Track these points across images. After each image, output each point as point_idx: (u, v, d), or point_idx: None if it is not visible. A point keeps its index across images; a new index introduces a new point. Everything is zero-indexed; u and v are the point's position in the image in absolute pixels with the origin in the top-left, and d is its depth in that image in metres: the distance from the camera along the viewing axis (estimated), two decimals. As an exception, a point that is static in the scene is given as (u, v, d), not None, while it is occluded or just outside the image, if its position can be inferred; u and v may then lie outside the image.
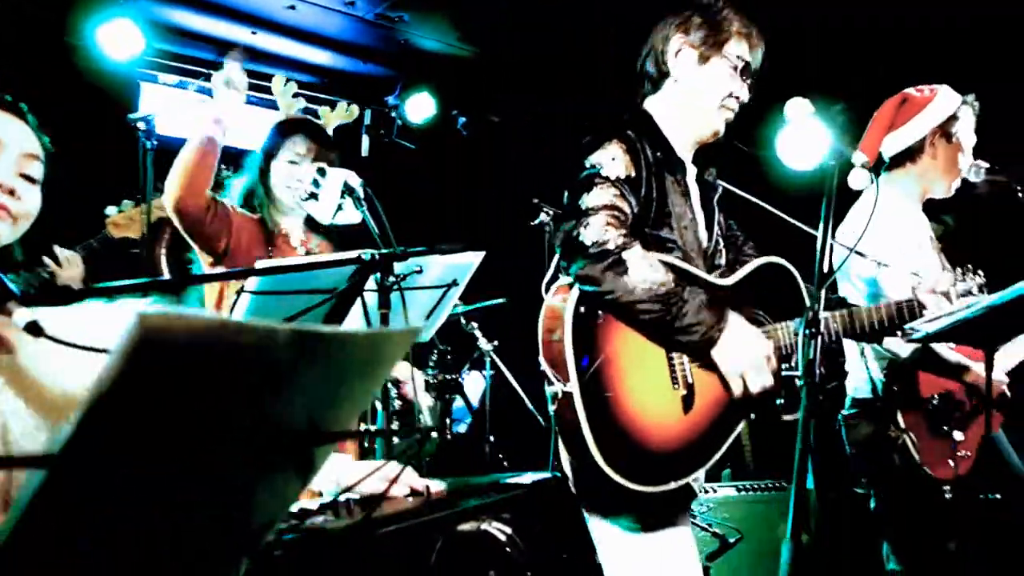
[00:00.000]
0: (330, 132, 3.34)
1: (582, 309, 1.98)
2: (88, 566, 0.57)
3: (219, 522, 0.71)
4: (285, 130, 2.92)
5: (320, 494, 1.69)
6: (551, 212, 4.45)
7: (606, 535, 2.05)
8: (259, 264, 2.02)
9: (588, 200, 2.02)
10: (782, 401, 2.07)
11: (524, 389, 4.79)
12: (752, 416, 2.10)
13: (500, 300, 4.55)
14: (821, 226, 1.89)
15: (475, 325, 4.73)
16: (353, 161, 3.46)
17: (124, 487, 0.53)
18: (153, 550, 0.64)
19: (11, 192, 1.44)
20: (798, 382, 1.92)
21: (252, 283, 2.08)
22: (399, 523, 1.35)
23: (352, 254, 1.99)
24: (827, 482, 3.71)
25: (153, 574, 0.67)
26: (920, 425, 2.73)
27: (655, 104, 2.29)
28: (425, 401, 4.46)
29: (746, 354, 2.02)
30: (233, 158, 5.59)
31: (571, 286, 2.02)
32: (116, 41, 4.39)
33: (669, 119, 2.26)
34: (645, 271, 1.94)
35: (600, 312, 1.99)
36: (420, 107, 5.73)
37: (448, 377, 4.81)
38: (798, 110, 2.12)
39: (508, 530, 1.39)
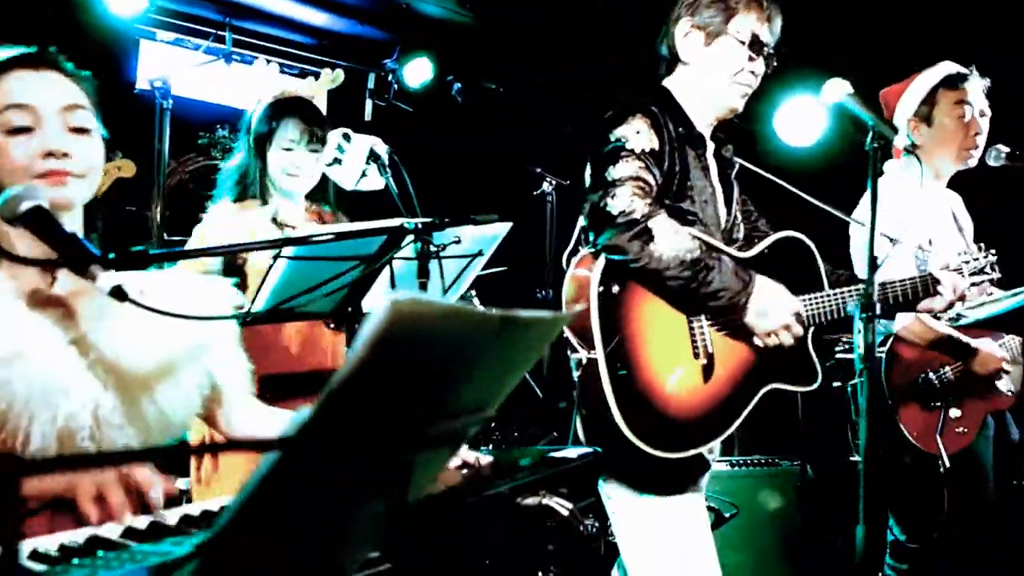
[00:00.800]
0: (321, 104, 3.24)
1: (608, 279, 2.04)
2: (292, 543, 0.61)
3: (381, 499, 0.73)
4: (276, 113, 2.79)
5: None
6: (554, 182, 4.51)
7: (621, 500, 2.14)
8: (300, 231, 2.04)
9: (614, 172, 2.07)
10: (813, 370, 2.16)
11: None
12: (772, 385, 2.18)
13: (500, 268, 4.59)
14: (869, 211, 1.97)
15: (473, 293, 4.78)
16: (355, 125, 3.48)
17: (337, 466, 0.57)
18: (336, 526, 0.68)
19: (65, 155, 1.43)
20: (856, 365, 2.00)
21: (289, 248, 2.11)
22: (459, 497, 1.38)
23: (394, 222, 2.02)
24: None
25: (326, 549, 0.70)
26: (911, 400, 2.83)
27: (672, 83, 2.34)
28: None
29: (778, 310, 2.10)
30: (229, 116, 5.57)
31: (595, 256, 2.08)
32: (120, -3, 4.34)
33: (687, 97, 2.30)
34: (672, 239, 2.01)
35: (625, 282, 2.06)
36: (418, 72, 5.74)
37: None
38: (837, 91, 2.18)
39: (569, 505, 1.45)
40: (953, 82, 2.98)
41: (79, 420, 1.37)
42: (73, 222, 1.47)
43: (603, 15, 5.47)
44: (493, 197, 5.18)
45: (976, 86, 2.99)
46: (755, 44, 2.24)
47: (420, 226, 2.04)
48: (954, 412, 2.81)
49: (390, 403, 0.59)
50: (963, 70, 3.01)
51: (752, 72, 2.27)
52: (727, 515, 3.44)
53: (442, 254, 2.22)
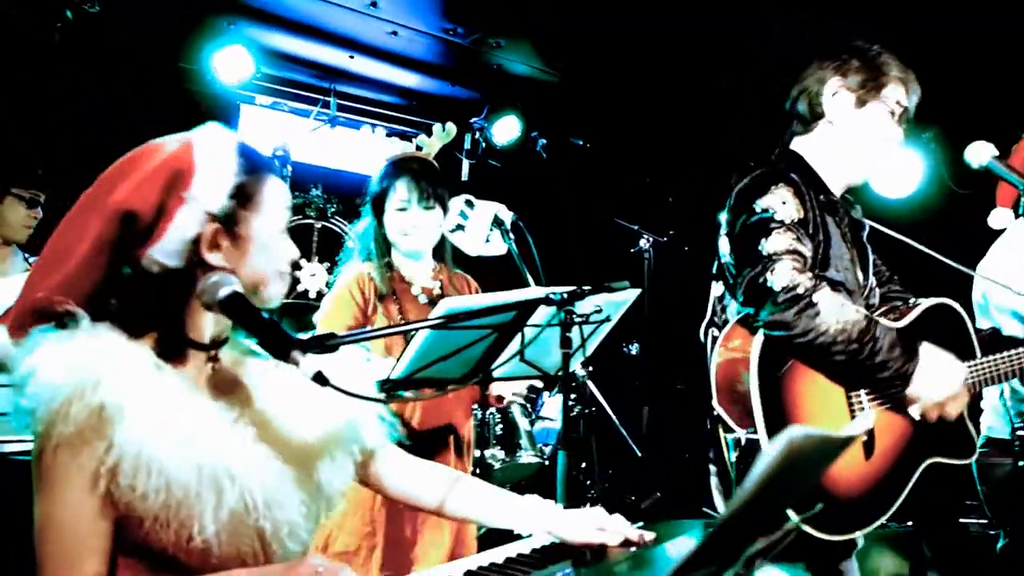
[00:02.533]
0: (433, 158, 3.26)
1: (768, 356, 1.98)
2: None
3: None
4: (389, 173, 2.81)
5: (518, 536, 1.69)
6: (651, 239, 4.48)
7: None
8: (448, 302, 2.04)
9: (768, 246, 2.02)
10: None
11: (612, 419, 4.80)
12: (932, 459, 2.09)
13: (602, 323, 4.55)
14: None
15: (584, 374, 4.74)
16: (452, 184, 3.50)
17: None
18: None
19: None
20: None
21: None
22: None
23: (538, 292, 2.01)
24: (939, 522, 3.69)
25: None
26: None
27: (805, 145, 2.29)
28: (523, 425, 4.49)
29: (947, 379, 2.03)
30: (322, 177, 5.67)
31: (749, 331, 2.03)
32: (228, 66, 4.51)
33: (822, 160, 2.26)
34: (837, 311, 1.95)
35: (785, 359, 1.99)
36: (506, 129, 5.81)
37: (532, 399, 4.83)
38: (982, 153, 2.12)
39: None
40: None
41: (249, 501, 1.36)
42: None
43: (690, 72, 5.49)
44: (588, 254, 5.17)
45: None
46: (902, 116, 2.23)
47: (565, 296, 2.02)
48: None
49: (758, 523, 0.58)
50: None
51: (894, 143, 2.25)
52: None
53: (578, 322, 2.19)
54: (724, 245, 2.21)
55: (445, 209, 2.79)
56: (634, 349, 6.05)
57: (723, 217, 2.23)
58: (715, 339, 2.19)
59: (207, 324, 1.44)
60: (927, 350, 2.02)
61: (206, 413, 1.37)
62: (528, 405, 4.71)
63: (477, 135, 5.92)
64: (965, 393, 2.06)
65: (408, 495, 1.74)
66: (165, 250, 1.36)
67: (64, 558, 1.25)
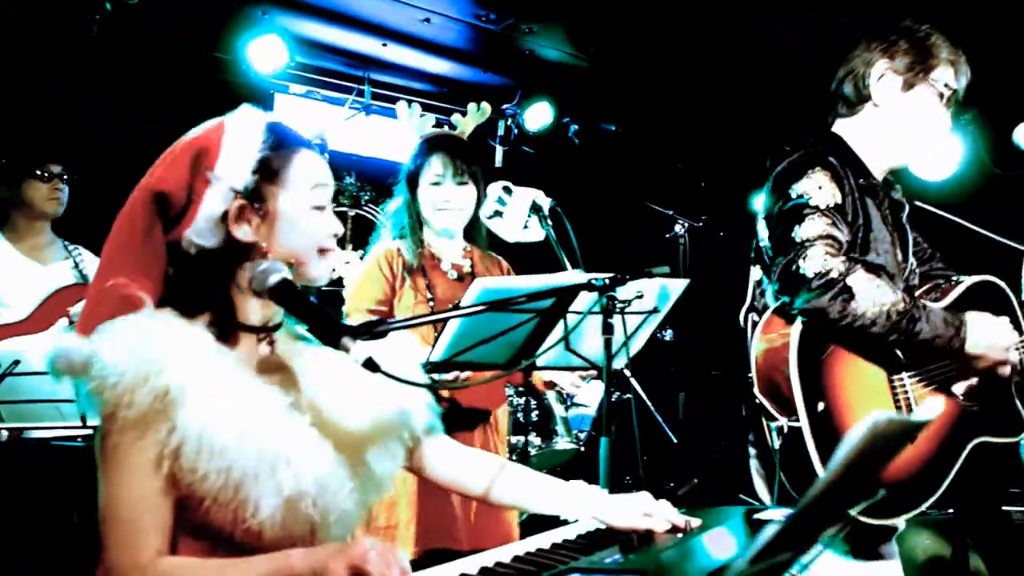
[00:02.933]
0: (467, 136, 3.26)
1: (806, 343, 1.97)
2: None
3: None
4: (423, 150, 2.85)
5: (564, 522, 1.69)
6: (686, 224, 4.45)
7: (824, 565, 2.05)
8: (484, 282, 2.04)
9: (801, 232, 2.00)
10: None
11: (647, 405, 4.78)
12: (979, 439, 2.07)
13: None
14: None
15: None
16: (485, 171, 3.49)
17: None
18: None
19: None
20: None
21: (466, 299, 2.12)
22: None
23: (580, 277, 2.01)
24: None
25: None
26: None
27: (849, 127, 2.26)
28: (559, 411, 4.49)
29: (1002, 330, 2.03)
30: (355, 164, 5.70)
31: (787, 319, 2.01)
32: (263, 56, 4.53)
33: (865, 143, 2.23)
34: (873, 294, 1.93)
35: (824, 345, 1.98)
36: (539, 115, 5.79)
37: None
38: None
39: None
40: None
41: (303, 486, 1.37)
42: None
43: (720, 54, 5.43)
44: (623, 240, 5.15)
45: None
46: (950, 97, 2.19)
47: (606, 282, 2.01)
48: None
49: (835, 509, 0.58)
50: None
51: (942, 126, 2.22)
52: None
53: (620, 309, 2.18)
54: (762, 230, 2.19)
55: (479, 187, 2.80)
56: (668, 335, 6.03)
57: (761, 202, 2.22)
58: (755, 324, 2.18)
59: (256, 308, 1.45)
60: (973, 318, 2.01)
61: (263, 397, 1.40)
62: (563, 391, 4.71)
63: (509, 122, 5.90)
64: (1016, 355, 2.04)
65: (454, 482, 1.74)
66: (199, 230, 1.39)
67: (129, 535, 1.27)
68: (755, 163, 6.52)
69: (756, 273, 2.28)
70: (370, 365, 1.27)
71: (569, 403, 4.97)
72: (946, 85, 2.18)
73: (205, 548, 1.33)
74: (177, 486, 1.29)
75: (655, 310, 2.32)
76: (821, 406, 1.93)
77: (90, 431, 2.77)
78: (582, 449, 4.39)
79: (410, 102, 3.11)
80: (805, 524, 0.51)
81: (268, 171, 1.43)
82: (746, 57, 4.94)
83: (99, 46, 4.28)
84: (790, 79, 4.59)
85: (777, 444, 2.00)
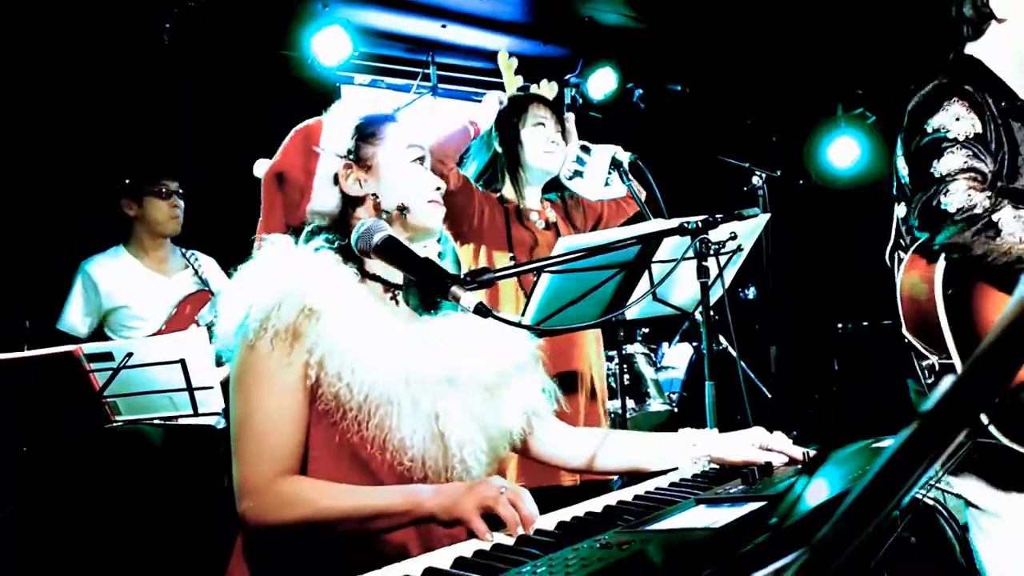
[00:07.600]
0: None
1: (951, 279, 1.90)
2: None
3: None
4: (519, 103, 2.89)
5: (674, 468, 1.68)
6: (763, 175, 4.37)
7: (982, 497, 2.01)
8: (565, 244, 2.03)
9: (941, 166, 1.92)
10: None
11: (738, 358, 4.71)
12: None
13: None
14: None
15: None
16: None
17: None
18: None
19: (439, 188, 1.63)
20: None
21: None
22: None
23: (670, 223, 1.98)
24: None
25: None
26: None
27: (980, 49, 2.13)
28: (649, 374, 4.48)
29: None
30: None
31: (930, 257, 1.96)
32: (328, 48, 4.60)
33: (1002, 63, 2.10)
34: (1019, 229, 1.84)
35: (970, 281, 1.90)
36: (603, 82, 5.74)
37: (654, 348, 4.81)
38: None
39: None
40: None
41: (439, 416, 1.41)
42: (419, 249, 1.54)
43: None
44: (703, 195, 5.08)
45: None
46: None
47: (699, 225, 1.99)
48: None
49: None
50: None
51: None
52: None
53: (715, 251, 2.15)
54: (902, 166, 2.12)
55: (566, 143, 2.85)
56: (751, 293, 5.94)
57: (900, 138, 2.14)
58: (900, 261, 2.12)
59: (377, 267, 1.53)
60: None
61: (403, 330, 1.45)
62: (651, 354, 4.70)
63: (574, 92, 5.87)
64: None
65: (556, 457, 1.75)
66: (318, 197, 1.54)
67: (262, 451, 1.31)
68: (825, 113, 6.37)
69: (900, 210, 2.21)
70: (481, 310, 1.28)
71: (659, 366, 4.95)
72: None
73: (339, 472, 1.35)
74: (320, 398, 1.33)
75: (740, 248, 2.29)
76: (971, 342, 1.87)
77: (201, 420, 2.87)
78: (675, 410, 4.37)
79: (475, 83, 3.17)
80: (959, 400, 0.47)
81: (365, 133, 1.59)
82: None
83: (171, 55, 4.41)
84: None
85: (929, 382, 1.95)
